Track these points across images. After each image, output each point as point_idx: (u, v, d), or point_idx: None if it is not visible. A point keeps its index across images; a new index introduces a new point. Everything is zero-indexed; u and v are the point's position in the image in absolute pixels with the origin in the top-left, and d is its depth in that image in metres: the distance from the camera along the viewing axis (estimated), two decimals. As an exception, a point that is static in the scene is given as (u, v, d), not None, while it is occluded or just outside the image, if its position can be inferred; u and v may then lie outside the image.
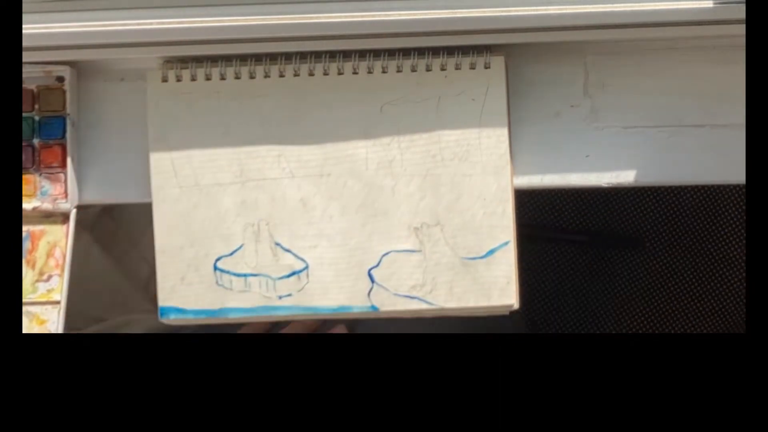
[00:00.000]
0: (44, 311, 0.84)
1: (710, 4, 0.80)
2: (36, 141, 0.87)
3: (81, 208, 0.92)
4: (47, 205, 0.86)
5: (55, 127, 0.87)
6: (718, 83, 0.85)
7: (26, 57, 0.83)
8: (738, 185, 0.98)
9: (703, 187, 1.42)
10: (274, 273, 0.86)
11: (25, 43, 0.82)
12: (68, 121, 0.87)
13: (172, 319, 0.87)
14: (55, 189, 0.87)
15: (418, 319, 0.86)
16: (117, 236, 1.18)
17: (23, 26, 0.81)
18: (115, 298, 1.17)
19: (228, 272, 0.86)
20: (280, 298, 0.86)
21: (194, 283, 0.86)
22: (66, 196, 0.87)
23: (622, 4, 0.81)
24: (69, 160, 0.87)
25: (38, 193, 0.86)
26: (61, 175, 0.87)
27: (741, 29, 0.77)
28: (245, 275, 0.86)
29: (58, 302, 0.85)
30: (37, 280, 0.85)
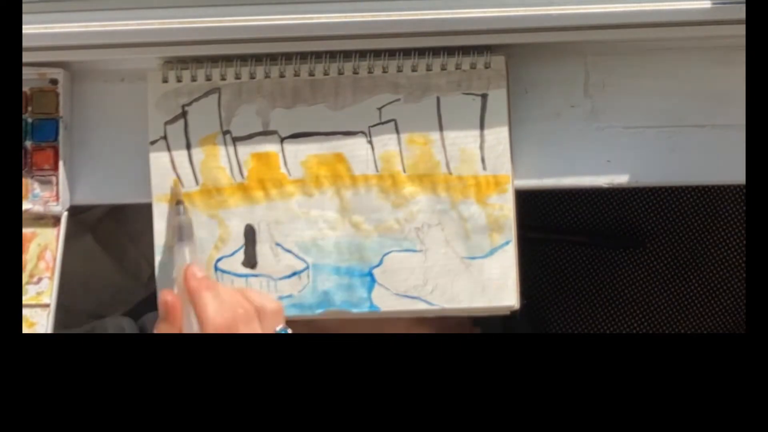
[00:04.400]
0: (34, 314, 0.84)
1: (710, 4, 0.80)
2: (28, 143, 0.87)
3: (79, 210, 0.92)
4: (38, 208, 0.86)
5: (47, 130, 0.87)
6: (718, 83, 0.85)
7: (26, 58, 0.83)
8: (738, 185, 0.98)
9: (703, 187, 1.42)
10: (275, 273, 0.86)
11: (24, 44, 0.81)
12: (61, 124, 0.87)
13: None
14: (47, 192, 0.86)
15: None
16: (118, 236, 1.18)
17: (24, 27, 0.81)
18: (116, 296, 1.18)
19: (229, 272, 0.86)
20: (281, 298, 0.86)
21: (194, 284, 0.86)
22: (57, 199, 0.86)
23: (622, 4, 0.81)
24: (61, 163, 0.87)
25: (30, 196, 0.86)
26: (53, 177, 0.86)
27: (741, 29, 0.77)
28: (246, 276, 0.86)
29: (47, 305, 0.84)
30: (27, 283, 0.85)
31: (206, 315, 0.77)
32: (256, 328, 0.78)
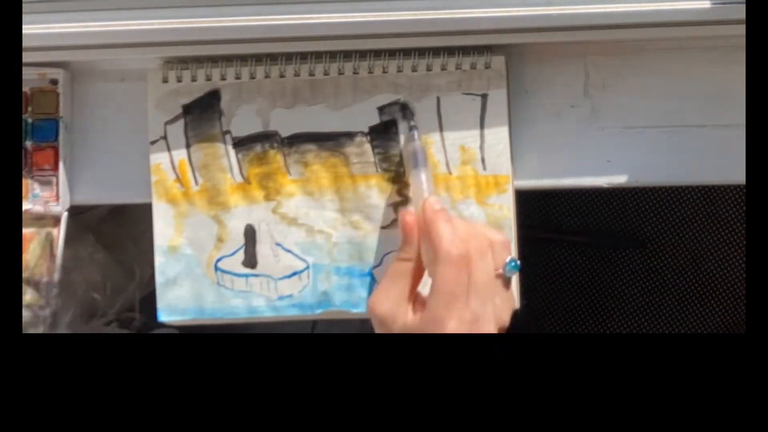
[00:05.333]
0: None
1: (710, 4, 0.80)
2: (29, 143, 0.87)
3: (79, 210, 0.92)
4: (38, 208, 0.86)
5: (47, 130, 0.87)
6: (718, 83, 0.85)
7: (26, 58, 0.83)
8: (738, 185, 0.98)
9: (703, 187, 1.42)
10: (275, 273, 0.86)
11: (24, 44, 0.81)
12: (61, 124, 0.87)
13: (171, 320, 0.87)
14: (47, 192, 0.87)
15: None
16: (118, 236, 1.18)
17: (23, 27, 0.81)
18: (117, 296, 1.17)
19: (229, 272, 0.86)
20: (281, 298, 0.86)
21: (194, 284, 0.86)
22: (57, 200, 0.87)
23: (622, 4, 0.81)
24: (61, 164, 0.87)
25: (30, 196, 0.86)
26: (53, 178, 0.86)
27: (741, 29, 0.77)
28: (246, 275, 0.86)
29: (47, 305, 0.85)
30: (27, 284, 0.85)
31: (441, 245, 0.77)
32: (488, 261, 0.78)
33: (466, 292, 0.76)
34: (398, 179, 0.86)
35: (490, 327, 0.77)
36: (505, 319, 0.79)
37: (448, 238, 0.77)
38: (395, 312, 0.77)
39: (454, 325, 0.75)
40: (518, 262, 0.79)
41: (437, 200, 0.81)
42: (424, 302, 0.77)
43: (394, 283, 0.78)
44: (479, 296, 0.76)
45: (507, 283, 0.79)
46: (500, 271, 0.78)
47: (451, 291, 0.76)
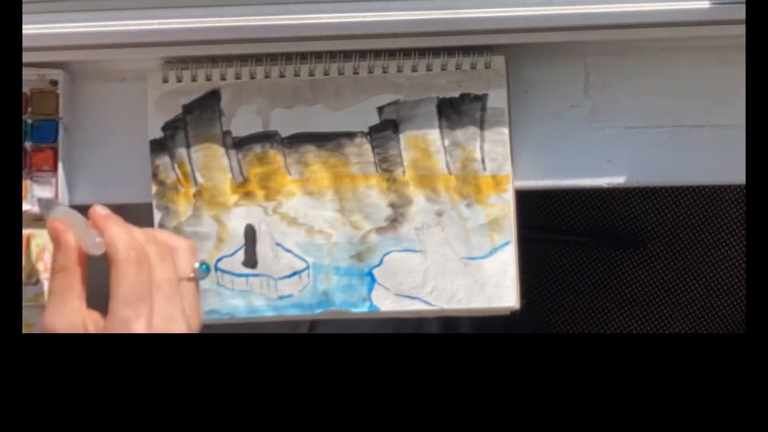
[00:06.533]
0: (31, 315, 0.85)
1: (710, 4, 0.80)
2: (28, 144, 0.87)
3: (80, 210, 0.92)
4: (37, 209, 0.86)
5: (47, 131, 0.87)
6: (718, 83, 0.85)
7: (25, 58, 0.83)
8: (738, 185, 0.98)
9: (703, 187, 1.42)
10: (275, 273, 0.86)
11: (24, 44, 0.81)
12: (60, 125, 0.87)
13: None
14: (46, 193, 0.86)
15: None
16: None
17: (23, 27, 0.81)
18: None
19: (229, 272, 0.86)
20: (282, 298, 0.86)
21: (194, 284, 0.86)
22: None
23: (622, 4, 0.81)
24: (60, 164, 0.87)
25: (29, 197, 0.86)
26: (52, 179, 0.87)
27: (741, 29, 0.77)
28: (246, 275, 0.86)
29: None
30: (25, 284, 0.85)
31: (118, 247, 0.75)
32: (170, 265, 0.76)
33: (149, 291, 0.74)
34: (398, 179, 0.86)
35: (181, 327, 0.75)
36: (195, 323, 0.76)
37: (125, 240, 0.75)
38: (76, 327, 0.74)
39: (141, 325, 0.73)
40: (208, 264, 0.78)
41: (103, 207, 0.77)
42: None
43: (63, 299, 0.75)
44: (165, 297, 0.74)
45: (195, 287, 0.77)
46: (191, 275, 0.77)
47: (133, 291, 0.73)
